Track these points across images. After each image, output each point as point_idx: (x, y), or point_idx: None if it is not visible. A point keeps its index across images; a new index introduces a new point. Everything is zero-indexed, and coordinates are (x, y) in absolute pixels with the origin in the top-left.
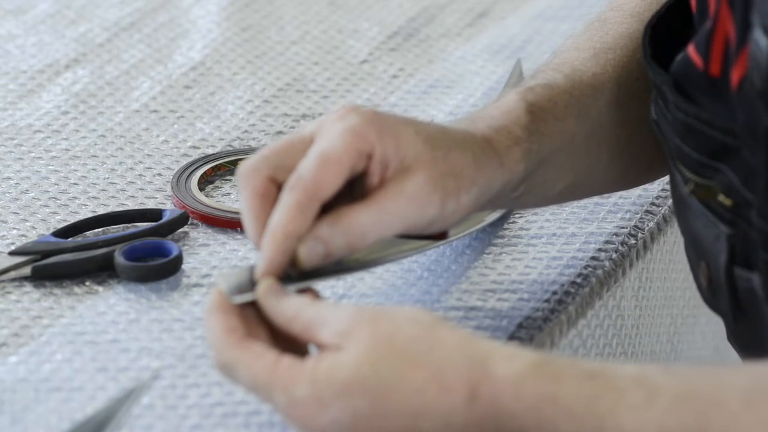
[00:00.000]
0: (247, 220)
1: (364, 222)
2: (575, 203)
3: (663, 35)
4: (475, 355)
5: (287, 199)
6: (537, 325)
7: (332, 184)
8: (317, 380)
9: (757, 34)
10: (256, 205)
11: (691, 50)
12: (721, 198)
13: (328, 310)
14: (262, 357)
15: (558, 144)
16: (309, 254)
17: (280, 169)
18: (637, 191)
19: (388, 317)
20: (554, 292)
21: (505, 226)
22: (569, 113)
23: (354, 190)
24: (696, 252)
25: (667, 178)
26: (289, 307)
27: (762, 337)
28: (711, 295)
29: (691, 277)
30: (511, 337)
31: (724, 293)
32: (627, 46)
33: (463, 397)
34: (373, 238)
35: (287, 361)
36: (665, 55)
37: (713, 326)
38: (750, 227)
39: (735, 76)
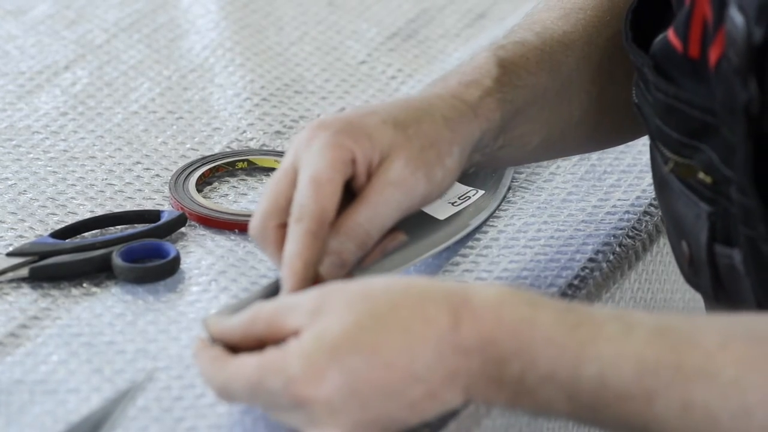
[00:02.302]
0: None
1: (362, 221)
2: (573, 206)
3: (643, 18)
4: (451, 287)
5: (297, 230)
6: None
7: (333, 203)
8: (307, 351)
9: (733, 12)
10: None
11: (671, 34)
12: (702, 176)
13: (289, 298)
14: (247, 361)
15: (531, 96)
16: (329, 269)
17: (283, 212)
18: (635, 193)
19: (356, 281)
20: (552, 295)
21: (503, 227)
22: (541, 68)
23: (348, 192)
24: (677, 232)
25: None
26: (244, 316)
27: None
28: (692, 274)
29: None
30: None
31: (705, 271)
32: (597, 6)
33: (448, 325)
34: (378, 233)
35: (271, 351)
36: (646, 37)
37: None
38: (730, 204)
39: (713, 55)
